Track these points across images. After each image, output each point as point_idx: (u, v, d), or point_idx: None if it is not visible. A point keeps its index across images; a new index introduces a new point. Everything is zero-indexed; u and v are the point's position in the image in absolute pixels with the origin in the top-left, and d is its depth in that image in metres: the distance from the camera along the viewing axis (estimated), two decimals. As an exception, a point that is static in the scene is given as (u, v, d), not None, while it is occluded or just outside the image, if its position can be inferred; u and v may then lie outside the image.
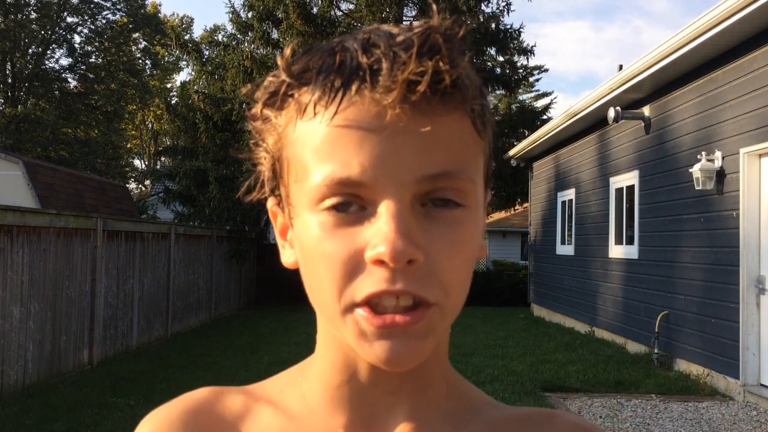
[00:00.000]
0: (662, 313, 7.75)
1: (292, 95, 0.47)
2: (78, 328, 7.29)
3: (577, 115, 9.87)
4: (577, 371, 7.31)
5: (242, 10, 15.64)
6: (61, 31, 30.42)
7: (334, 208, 0.45)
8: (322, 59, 0.46)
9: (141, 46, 34.03)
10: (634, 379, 6.96)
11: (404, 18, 15.06)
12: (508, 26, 15.44)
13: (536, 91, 35.56)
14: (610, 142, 9.68)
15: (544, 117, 16.72)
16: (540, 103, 24.67)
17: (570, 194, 11.54)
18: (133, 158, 42.23)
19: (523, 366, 7.61)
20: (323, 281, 0.46)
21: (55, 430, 5.04)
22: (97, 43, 31.35)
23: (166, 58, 37.00)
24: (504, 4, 15.24)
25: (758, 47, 6.03)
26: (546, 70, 46.44)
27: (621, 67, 9.18)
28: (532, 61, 37.35)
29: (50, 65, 30.96)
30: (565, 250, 11.78)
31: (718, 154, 6.62)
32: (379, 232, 0.43)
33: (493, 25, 15.22)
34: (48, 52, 30.15)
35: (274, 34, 15.21)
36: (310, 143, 0.46)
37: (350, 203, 0.45)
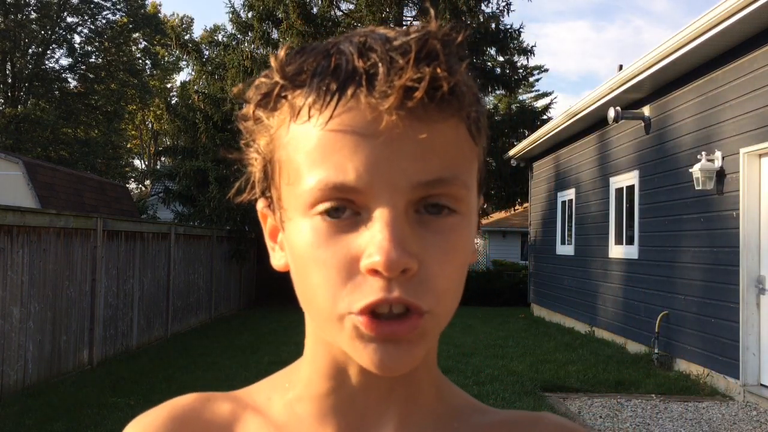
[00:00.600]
0: (662, 313, 7.76)
1: (285, 97, 0.47)
2: (78, 328, 7.29)
3: (577, 115, 9.87)
4: (577, 371, 7.31)
5: (242, 10, 15.65)
6: (61, 31, 30.43)
7: (327, 212, 0.45)
8: (317, 61, 0.45)
9: (141, 46, 34.04)
10: (634, 379, 6.96)
11: (404, 18, 15.06)
12: (508, 26, 15.45)
13: (536, 91, 35.57)
14: (610, 142, 9.68)
15: (544, 117, 16.72)
16: (540, 103, 24.67)
17: (570, 194, 11.54)
18: (133, 158, 42.24)
19: (523, 366, 7.61)
20: (317, 288, 0.45)
21: (55, 430, 5.04)
22: (97, 43, 31.36)
23: (166, 58, 37.01)
24: (504, 4, 15.26)
25: (758, 47, 6.03)
26: (546, 70, 46.47)
27: (621, 67, 9.18)
28: (532, 61, 37.35)
29: (50, 65, 30.99)
30: (565, 250, 11.78)
31: (718, 154, 6.62)
32: (373, 241, 0.43)
33: (493, 25, 15.23)
34: (48, 52, 30.16)
35: (274, 34, 15.21)
36: (304, 146, 0.45)
37: (344, 208, 0.44)
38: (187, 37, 31.23)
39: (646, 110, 8.42)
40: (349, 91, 0.43)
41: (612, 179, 9.57)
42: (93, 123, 31.23)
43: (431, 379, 0.55)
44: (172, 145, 18.28)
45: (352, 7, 15.04)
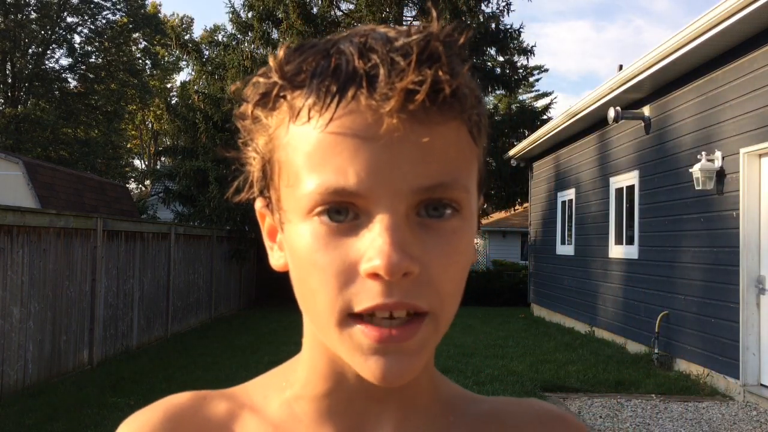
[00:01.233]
0: (662, 313, 7.76)
1: (284, 97, 0.46)
2: (78, 328, 7.29)
3: (577, 115, 9.87)
4: (577, 371, 7.31)
5: (242, 10, 15.65)
6: (61, 31, 30.43)
7: (328, 213, 0.44)
8: (316, 61, 0.44)
9: (141, 46, 34.04)
10: (634, 379, 6.96)
11: (404, 18, 15.06)
12: (508, 26, 15.46)
13: (536, 91, 35.57)
14: (610, 142, 9.68)
15: (544, 117, 16.72)
16: (540, 103, 24.67)
17: (570, 194, 11.54)
18: (133, 158, 42.23)
19: (523, 366, 7.61)
20: (316, 292, 0.45)
21: (55, 430, 5.04)
22: (97, 43, 31.36)
23: (166, 58, 37.01)
24: (504, 4, 15.26)
25: (758, 47, 6.03)
26: (546, 70, 46.48)
27: (621, 67, 9.18)
28: (532, 61, 37.36)
29: (50, 65, 30.99)
30: (565, 250, 11.78)
31: (718, 154, 6.62)
32: (373, 245, 0.42)
33: (493, 25, 15.23)
34: (48, 52, 30.16)
35: (274, 34, 15.21)
36: (303, 148, 0.44)
37: (345, 210, 0.44)
38: (187, 37, 31.22)
39: (646, 110, 8.42)
40: (350, 93, 0.42)
41: (612, 179, 9.57)
42: (93, 123, 31.23)
43: (429, 378, 0.55)
44: (172, 145, 18.28)
45: (352, 7, 15.04)
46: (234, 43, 15.93)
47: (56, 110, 29.09)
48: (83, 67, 30.97)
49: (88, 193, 16.01)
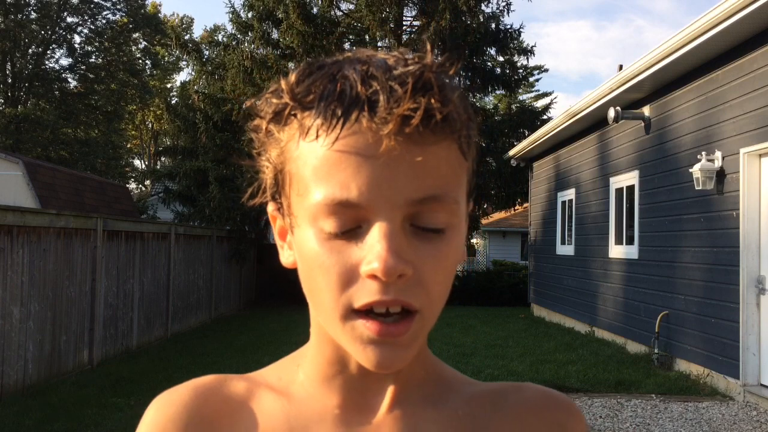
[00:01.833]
0: (662, 313, 7.76)
1: (295, 115, 0.51)
2: (78, 328, 7.29)
3: (577, 115, 9.87)
4: (577, 371, 7.31)
5: (242, 10, 15.64)
6: (61, 31, 30.42)
7: (333, 223, 0.50)
8: (323, 85, 0.50)
9: (141, 46, 34.03)
10: (634, 379, 6.96)
11: (404, 18, 15.06)
12: (508, 26, 15.44)
13: (536, 91, 35.58)
14: (610, 142, 9.68)
15: (544, 117, 16.71)
16: (540, 103, 24.68)
17: (570, 194, 11.54)
18: (133, 158, 42.23)
19: (523, 366, 7.61)
20: (322, 290, 0.51)
21: (55, 430, 5.04)
22: (97, 43, 31.35)
23: (166, 58, 37.00)
24: (504, 4, 15.24)
25: (758, 47, 6.03)
26: (546, 70, 46.47)
27: (621, 67, 9.19)
28: (532, 61, 37.39)
29: (50, 65, 30.98)
30: (565, 250, 11.78)
31: (718, 154, 6.62)
32: (372, 250, 0.48)
33: (493, 25, 15.22)
34: (48, 52, 30.16)
35: (274, 34, 15.20)
36: (311, 162, 0.50)
37: (348, 230, 0.50)
38: (187, 37, 31.24)
39: (646, 110, 8.42)
40: (353, 116, 0.48)
41: (612, 179, 9.57)
42: (93, 123, 31.22)
43: (422, 360, 0.62)
44: (172, 145, 18.28)
45: (352, 7, 15.03)
46: (234, 43, 15.92)
47: (56, 110, 29.08)
48: (83, 67, 30.96)
49: (88, 193, 16.01)
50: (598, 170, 10.16)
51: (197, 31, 48.77)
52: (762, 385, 6.07)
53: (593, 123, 10.03)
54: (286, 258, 0.58)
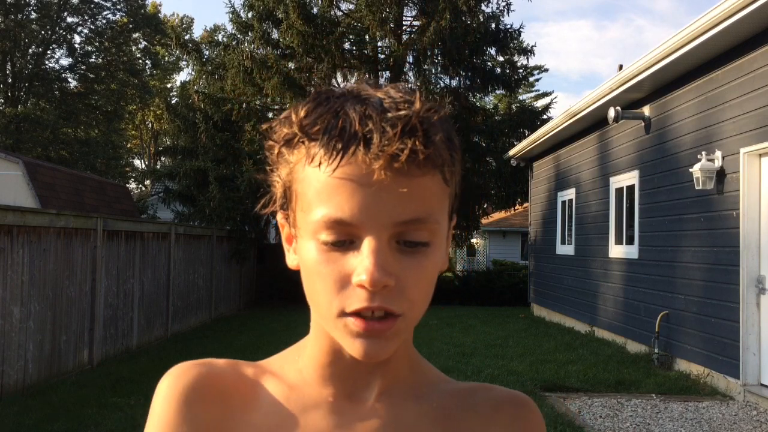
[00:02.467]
0: (662, 313, 7.76)
1: (303, 142, 0.60)
2: (78, 328, 7.29)
3: (577, 115, 9.87)
4: (577, 371, 7.31)
5: (242, 10, 15.64)
6: (61, 31, 30.42)
7: (332, 244, 0.58)
8: (328, 120, 0.58)
9: (141, 46, 34.02)
10: (634, 378, 6.96)
11: (404, 18, 15.06)
12: (508, 26, 15.45)
13: (536, 91, 35.58)
14: (610, 142, 9.68)
15: (544, 117, 16.71)
16: (540, 103, 24.67)
17: (570, 194, 11.54)
18: (133, 158, 42.23)
19: (523, 366, 7.61)
20: (320, 293, 0.60)
21: (55, 430, 5.04)
22: (97, 43, 31.34)
23: (166, 58, 36.99)
24: (504, 4, 15.25)
25: (758, 47, 6.03)
26: (546, 70, 46.48)
27: (621, 67, 9.19)
28: (533, 61, 37.38)
29: (50, 65, 30.97)
30: (565, 249, 11.78)
31: (718, 153, 6.62)
32: (362, 263, 0.57)
33: (493, 25, 15.22)
34: (48, 52, 30.15)
35: (274, 34, 15.20)
36: (314, 185, 0.59)
37: (342, 242, 0.58)
38: (187, 37, 31.20)
39: (646, 110, 8.42)
40: (351, 150, 0.57)
41: (612, 179, 9.57)
42: (93, 123, 31.23)
43: (408, 357, 0.71)
44: (172, 145, 18.27)
45: (352, 6, 15.03)
46: (234, 43, 15.91)
47: (56, 110, 29.08)
48: (83, 67, 30.96)
49: (88, 193, 16.01)
50: (598, 170, 10.16)
51: (197, 31, 48.78)
52: (762, 384, 6.07)
53: (593, 123, 10.03)
54: (291, 261, 0.67)
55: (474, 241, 25.78)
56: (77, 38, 31.20)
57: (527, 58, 16.39)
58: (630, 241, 8.94)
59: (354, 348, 0.60)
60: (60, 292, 6.89)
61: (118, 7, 31.16)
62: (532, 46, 16.13)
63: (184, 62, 36.34)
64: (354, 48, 15.01)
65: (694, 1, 67.95)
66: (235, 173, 14.10)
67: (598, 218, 10.08)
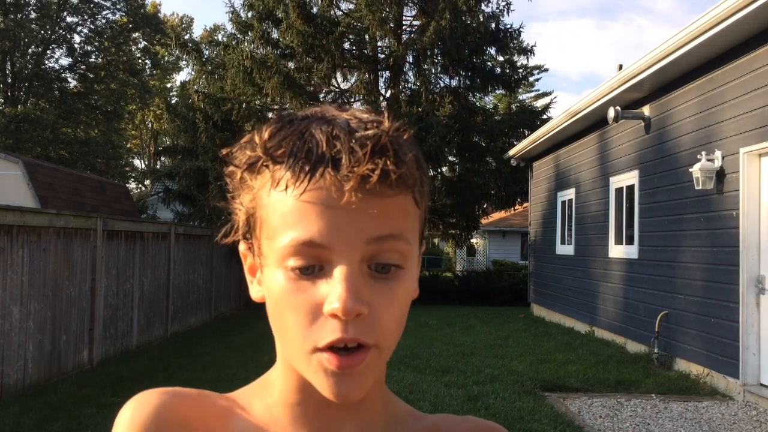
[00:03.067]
0: (662, 313, 7.76)
1: (267, 166, 0.57)
2: (78, 328, 7.29)
3: (577, 114, 9.87)
4: (577, 371, 7.31)
5: (242, 10, 15.64)
6: (60, 31, 30.41)
7: (300, 270, 0.55)
8: (293, 141, 0.55)
9: (141, 45, 34.01)
10: (634, 378, 6.96)
11: (404, 18, 15.05)
12: (508, 26, 15.46)
13: (536, 90, 35.57)
14: (610, 142, 9.68)
15: (544, 117, 16.71)
16: (540, 103, 24.67)
17: (570, 194, 11.54)
18: (133, 158, 42.23)
19: (523, 366, 7.61)
20: (290, 327, 0.56)
21: (55, 430, 5.04)
22: (97, 43, 31.33)
23: (166, 58, 36.99)
24: (504, 3, 15.25)
25: (758, 47, 6.03)
26: (546, 70, 46.50)
27: (621, 67, 9.18)
28: (533, 61, 37.37)
29: (50, 65, 30.96)
30: (565, 249, 11.78)
31: (718, 153, 6.62)
32: (334, 291, 0.54)
33: (493, 25, 15.22)
34: (48, 52, 30.14)
35: (274, 34, 15.20)
36: (280, 210, 0.55)
37: (312, 267, 0.55)
38: (187, 37, 31.23)
39: (646, 110, 8.42)
40: (318, 173, 0.54)
41: (612, 179, 9.57)
42: (93, 123, 31.21)
43: (380, 394, 0.67)
44: (172, 145, 18.26)
45: (352, 6, 15.04)
46: (234, 43, 15.92)
47: (56, 110, 29.07)
48: (83, 67, 30.94)
49: (88, 193, 16.01)
50: (598, 170, 10.16)
51: (197, 31, 48.71)
52: (762, 384, 6.07)
53: (593, 123, 10.03)
54: (255, 293, 0.64)
55: (474, 241, 25.78)
56: (77, 38, 31.21)
57: (527, 58, 16.41)
58: (630, 241, 8.94)
59: (327, 388, 0.56)
60: (60, 292, 6.88)
61: (118, 6, 31.15)
62: (532, 46, 16.15)
63: (184, 62, 36.36)
64: (354, 48, 15.01)
65: (695, 0, 67.96)
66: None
67: (598, 218, 10.08)
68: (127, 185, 33.10)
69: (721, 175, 6.58)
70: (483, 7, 15.21)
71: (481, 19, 15.05)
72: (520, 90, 25.43)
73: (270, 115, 15.23)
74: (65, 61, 46.69)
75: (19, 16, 28.65)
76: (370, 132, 0.55)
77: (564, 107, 22.76)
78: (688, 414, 5.71)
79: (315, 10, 14.61)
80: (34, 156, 24.73)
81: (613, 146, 9.57)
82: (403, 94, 15.31)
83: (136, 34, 32.83)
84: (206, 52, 17.03)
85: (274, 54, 14.32)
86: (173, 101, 32.29)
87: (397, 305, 0.57)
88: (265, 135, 0.57)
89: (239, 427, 0.64)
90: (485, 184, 15.53)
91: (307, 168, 0.54)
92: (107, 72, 30.92)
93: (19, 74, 29.09)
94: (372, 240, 0.55)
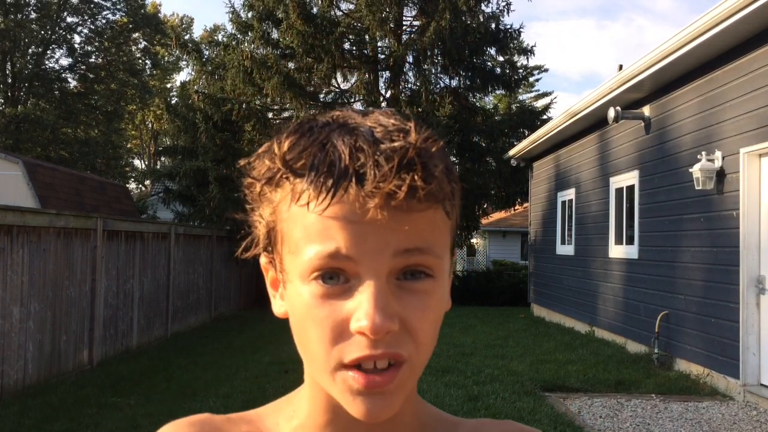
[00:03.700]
0: (662, 313, 7.76)
1: (287, 179, 0.54)
2: (78, 328, 7.29)
3: (577, 114, 9.87)
4: (577, 371, 7.31)
5: (242, 10, 15.65)
6: (61, 31, 30.42)
7: (322, 278, 0.52)
8: (314, 153, 0.52)
9: (141, 46, 34.02)
10: (634, 379, 6.96)
11: (404, 18, 15.05)
12: (508, 26, 15.46)
13: (536, 91, 35.58)
14: (610, 142, 9.68)
15: (544, 117, 16.71)
16: (540, 103, 24.67)
17: (570, 194, 11.54)
18: (133, 158, 42.22)
19: (523, 366, 7.61)
20: (314, 342, 0.53)
21: (55, 430, 5.04)
22: (97, 43, 31.34)
23: (166, 58, 36.99)
24: (504, 3, 15.25)
25: (758, 47, 6.03)
26: (546, 70, 46.50)
27: (621, 67, 9.18)
28: (533, 61, 37.37)
29: (50, 65, 30.97)
30: (565, 249, 11.78)
31: (718, 154, 6.62)
32: (361, 307, 0.51)
33: (493, 25, 15.22)
34: (48, 52, 30.15)
35: (274, 34, 15.20)
36: (302, 224, 0.53)
37: (337, 276, 0.52)
38: (187, 37, 31.25)
39: (646, 110, 8.42)
40: (342, 188, 0.51)
41: (612, 179, 9.57)
42: (93, 123, 31.22)
43: (412, 409, 0.64)
44: (172, 145, 18.27)
45: (352, 6, 15.04)
46: (234, 43, 15.92)
47: (56, 110, 29.08)
48: (83, 67, 30.95)
49: (88, 193, 16.01)
50: (598, 170, 10.16)
51: (197, 31, 48.70)
52: (762, 384, 6.07)
53: (593, 123, 10.03)
54: (278, 308, 0.61)
55: (474, 241, 25.77)
56: (77, 38, 31.22)
57: (527, 58, 16.42)
58: (630, 241, 8.93)
59: (354, 407, 0.53)
60: (60, 292, 6.88)
61: (118, 7, 31.16)
62: (532, 46, 16.15)
63: (184, 62, 36.38)
64: (354, 48, 15.01)
65: (695, 0, 67.95)
66: (235, 173, 14.10)
67: (598, 218, 10.08)
68: (127, 185, 33.12)
69: (721, 175, 6.58)
70: (483, 7, 15.21)
71: (481, 20, 15.05)
72: (520, 90, 25.42)
73: (269, 115, 15.24)
74: (65, 62, 46.66)
75: (19, 16, 28.66)
76: (396, 144, 0.52)
77: (564, 107, 22.80)
78: (689, 414, 5.71)
79: (315, 10, 14.60)
80: (34, 156, 24.74)
81: (613, 146, 9.57)
82: (403, 95, 15.31)
83: (136, 34, 32.84)
84: (206, 53, 17.03)
85: (274, 54, 14.31)
86: (173, 101, 32.27)
87: (429, 318, 0.54)
88: (285, 145, 0.54)
89: None
90: (485, 184, 15.52)
91: (329, 183, 0.51)
92: (107, 72, 30.93)
93: (20, 74, 29.09)
94: (399, 253, 0.52)
